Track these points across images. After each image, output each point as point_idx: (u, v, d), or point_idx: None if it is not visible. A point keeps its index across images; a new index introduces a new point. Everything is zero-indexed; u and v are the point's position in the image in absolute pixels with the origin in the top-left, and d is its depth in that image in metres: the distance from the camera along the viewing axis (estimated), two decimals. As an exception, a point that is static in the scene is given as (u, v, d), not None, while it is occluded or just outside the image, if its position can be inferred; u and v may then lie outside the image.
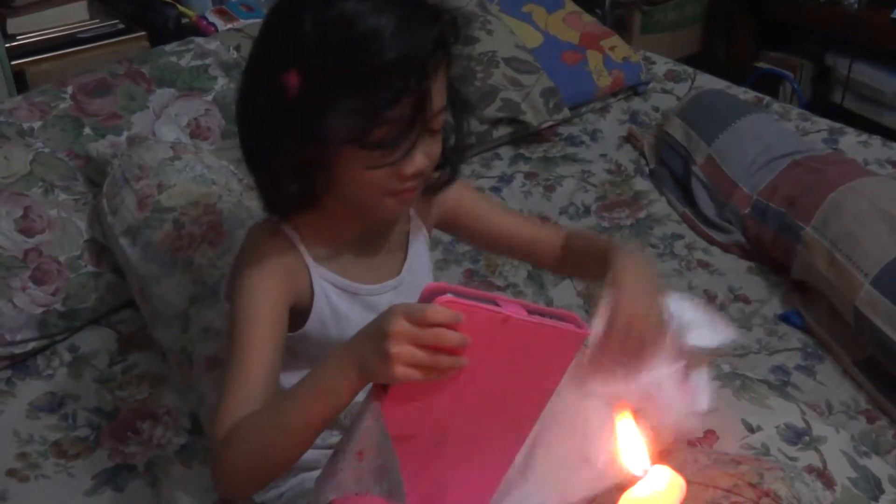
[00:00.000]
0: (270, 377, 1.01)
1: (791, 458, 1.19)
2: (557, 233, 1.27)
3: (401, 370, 0.83)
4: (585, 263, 1.20)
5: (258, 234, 1.09)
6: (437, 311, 0.82)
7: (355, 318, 1.10)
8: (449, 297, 0.83)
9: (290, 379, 1.09)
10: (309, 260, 1.07)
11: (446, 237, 1.93)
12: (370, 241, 1.13)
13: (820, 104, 3.18)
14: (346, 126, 0.92)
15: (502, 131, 2.24)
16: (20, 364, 1.60)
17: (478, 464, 0.98)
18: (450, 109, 1.05)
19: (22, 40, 2.03)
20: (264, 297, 1.03)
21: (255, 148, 1.03)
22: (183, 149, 1.64)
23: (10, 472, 1.40)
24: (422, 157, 0.99)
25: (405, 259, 1.16)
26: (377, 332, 0.85)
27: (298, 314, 1.08)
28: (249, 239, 1.10)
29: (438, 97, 0.97)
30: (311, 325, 1.08)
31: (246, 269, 1.05)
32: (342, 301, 1.09)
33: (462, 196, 1.23)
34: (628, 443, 1.00)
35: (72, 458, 1.43)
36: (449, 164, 1.11)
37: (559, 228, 1.33)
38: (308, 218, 1.07)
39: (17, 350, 1.58)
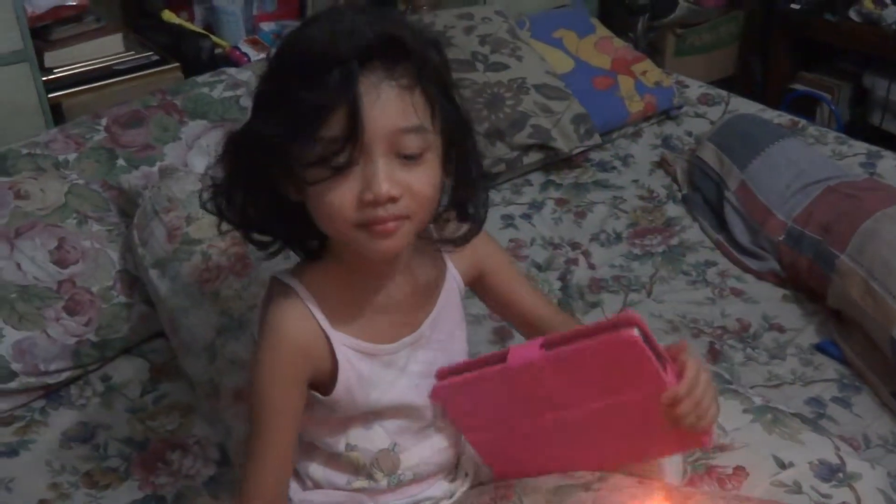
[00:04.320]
0: (289, 451, 1.08)
1: (824, 496, 1.17)
2: (570, 322, 1.23)
3: None
4: None
5: (278, 304, 1.05)
6: None
7: (376, 378, 1.08)
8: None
9: (326, 437, 1.12)
10: (327, 326, 1.04)
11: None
12: (390, 294, 1.09)
13: (858, 126, 3.14)
14: (276, 135, 0.93)
15: (533, 158, 2.23)
16: (54, 394, 1.62)
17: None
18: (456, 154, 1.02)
19: (59, 73, 2.07)
20: (283, 382, 1.04)
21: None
22: (212, 180, 1.66)
23: (42, 503, 1.41)
24: (387, 183, 0.92)
25: (432, 311, 1.12)
26: None
27: (324, 380, 1.06)
28: (270, 309, 1.05)
29: (391, 114, 0.92)
30: (339, 392, 1.06)
31: (265, 351, 1.04)
32: (364, 363, 1.07)
33: (493, 253, 1.20)
34: None
35: (102, 489, 1.44)
36: (467, 216, 1.08)
37: (572, 320, 1.28)
38: (322, 277, 1.05)
39: (51, 380, 1.60)
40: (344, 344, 1.05)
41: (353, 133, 0.90)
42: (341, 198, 0.93)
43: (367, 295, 1.07)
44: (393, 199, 0.93)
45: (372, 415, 1.11)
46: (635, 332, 0.95)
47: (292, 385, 1.04)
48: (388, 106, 0.92)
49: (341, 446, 1.12)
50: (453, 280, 1.15)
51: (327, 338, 1.04)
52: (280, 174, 0.98)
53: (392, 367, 1.09)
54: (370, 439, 1.11)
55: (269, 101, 0.97)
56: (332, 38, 0.91)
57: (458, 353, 1.16)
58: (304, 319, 1.03)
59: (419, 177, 0.95)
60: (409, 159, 0.94)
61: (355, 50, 0.90)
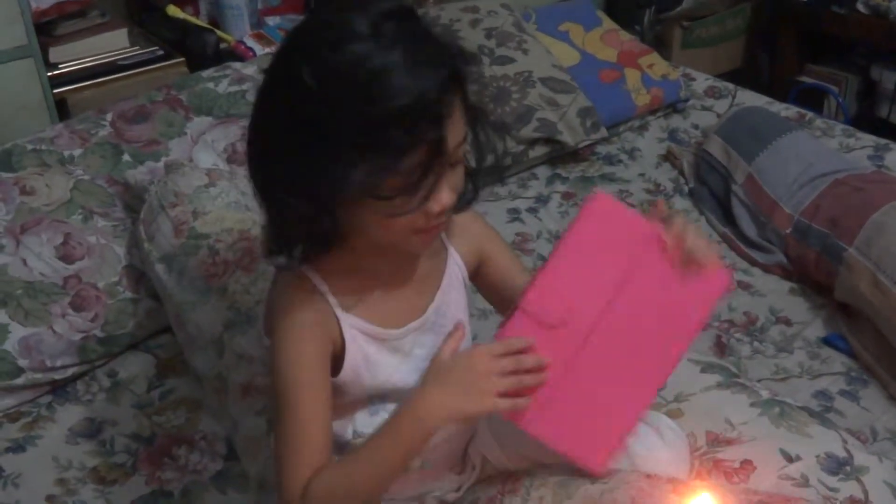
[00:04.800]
0: (327, 430, 1.05)
1: (831, 489, 1.16)
2: None
3: (493, 402, 0.97)
4: None
5: (287, 287, 1.06)
6: (512, 342, 0.98)
7: (384, 361, 1.09)
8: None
9: (333, 424, 1.09)
10: (338, 310, 1.05)
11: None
12: (398, 279, 1.10)
13: (866, 119, 3.12)
14: (356, 181, 0.90)
15: (539, 151, 2.23)
16: (60, 389, 1.62)
17: (615, 386, 1.05)
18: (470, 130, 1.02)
19: (64, 68, 2.06)
20: (307, 356, 1.03)
21: (268, 198, 1.01)
22: (218, 175, 1.66)
23: (49, 498, 1.41)
24: (448, 194, 0.96)
25: (436, 296, 1.13)
26: (464, 374, 0.97)
27: (333, 361, 1.07)
28: (279, 293, 1.06)
29: (456, 132, 0.94)
30: (346, 373, 1.07)
31: (284, 331, 1.04)
32: (371, 347, 1.08)
33: (492, 238, 1.21)
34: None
35: (110, 484, 1.44)
36: (472, 184, 1.08)
37: None
38: (332, 261, 1.05)
39: (58, 376, 1.61)
40: (352, 326, 1.06)
41: (440, 159, 0.92)
42: (411, 215, 0.95)
43: (375, 280, 1.08)
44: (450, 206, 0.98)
45: (377, 398, 1.11)
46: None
47: (318, 360, 1.04)
48: (456, 126, 0.94)
49: (349, 434, 1.12)
50: (455, 265, 1.16)
51: (337, 319, 1.05)
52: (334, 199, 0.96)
53: (398, 352, 1.10)
54: (377, 426, 1.11)
55: (336, 139, 0.90)
56: (417, 78, 0.89)
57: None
58: (316, 300, 1.04)
59: (458, 177, 0.99)
60: (453, 165, 0.97)
61: (445, 86, 0.91)
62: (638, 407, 1.07)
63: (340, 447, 1.13)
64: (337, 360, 1.07)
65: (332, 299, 1.05)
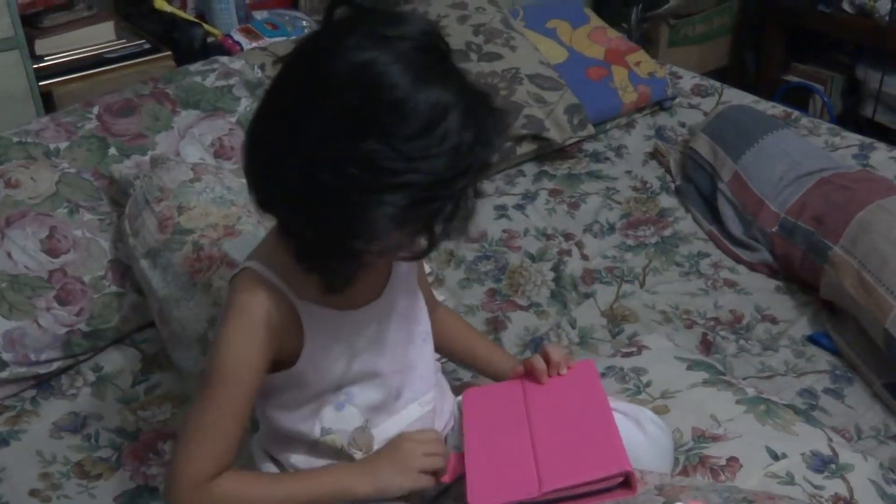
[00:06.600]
0: (240, 433, 1.07)
1: (817, 487, 1.17)
2: (448, 315, 1.39)
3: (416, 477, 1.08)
4: (462, 343, 1.35)
5: (239, 289, 1.06)
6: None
7: (344, 347, 1.10)
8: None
9: (301, 424, 1.12)
10: (293, 297, 1.06)
11: (469, 256, 1.93)
12: None
13: (851, 117, 3.14)
14: (393, 236, 0.94)
15: (526, 148, 2.23)
16: (45, 384, 1.61)
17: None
18: None
19: (50, 61, 2.05)
20: (247, 355, 1.04)
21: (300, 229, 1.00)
22: (203, 170, 1.65)
23: (33, 493, 1.40)
24: None
25: (388, 279, 1.15)
26: (398, 458, 1.09)
27: (292, 351, 1.08)
28: (235, 291, 1.07)
29: None
30: (303, 362, 1.08)
31: (231, 326, 1.04)
32: (331, 332, 1.09)
33: None
34: None
35: (94, 479, 1.44)
36: None
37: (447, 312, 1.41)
38: (279, 254, 1.05)
39: (42, 370, 1.60)
40: (310, 313, 1.07)
41: None
42: None
43: None
44: None
45: (342, 392, 1.12)
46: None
47: (256, 361, 1.05)
48: None
49: (316, 431, 1.12)
50: None
51: (295, 308, 1.06)
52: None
53: (358, 336, 1.11)
54: (344, 419, 1.13)
55: (394, 202, 0.91)
56: (487, 147, 0.96)
57: (421, 320, 1.20)
58: (268, 292, 1.05)
59: None
60: None
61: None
62: (608, 422, 1.13)
63: (309, 446, 1.14)
64: (296, 350, 1.07)
65: (285, 288, 1.05)
